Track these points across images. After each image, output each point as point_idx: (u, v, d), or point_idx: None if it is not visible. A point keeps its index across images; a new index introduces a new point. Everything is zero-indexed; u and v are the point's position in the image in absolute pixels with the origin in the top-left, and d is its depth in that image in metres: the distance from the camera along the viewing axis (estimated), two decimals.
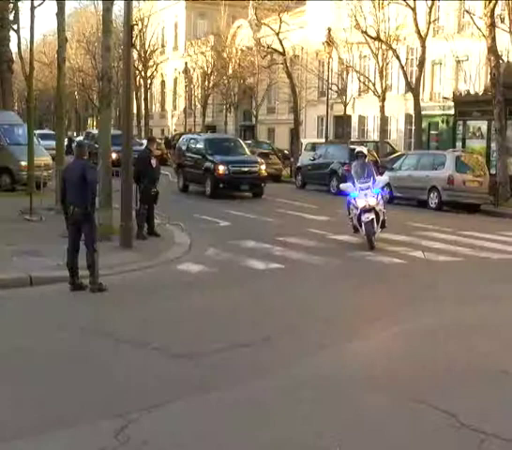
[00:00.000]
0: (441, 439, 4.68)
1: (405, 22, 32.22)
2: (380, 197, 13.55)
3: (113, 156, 13.60)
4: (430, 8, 30.80)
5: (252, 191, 22.69)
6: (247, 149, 25.00)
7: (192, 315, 8.05)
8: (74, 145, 11.52)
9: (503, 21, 25.27)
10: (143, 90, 56.46)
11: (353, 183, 13.62)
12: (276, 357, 6.48)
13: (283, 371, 6.02)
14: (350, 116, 40.50)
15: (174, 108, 65.53)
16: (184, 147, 25.16)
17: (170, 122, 65.09)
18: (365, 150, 15.55)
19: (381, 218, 13.12)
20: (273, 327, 7.55)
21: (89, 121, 75.89)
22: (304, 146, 37.74)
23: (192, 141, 25.12)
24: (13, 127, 23.26)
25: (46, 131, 48.69)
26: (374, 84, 35.01)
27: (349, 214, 13.84)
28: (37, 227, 14.35)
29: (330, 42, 35.38)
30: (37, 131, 40.21)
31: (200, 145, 24.09)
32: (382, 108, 34.28)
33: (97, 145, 22.19)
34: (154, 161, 14.13)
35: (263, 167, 22.83)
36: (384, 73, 34.56)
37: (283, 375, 5.92)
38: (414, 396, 5.35)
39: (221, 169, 21.92)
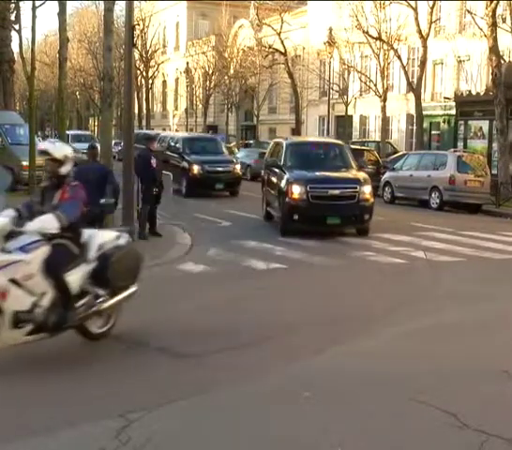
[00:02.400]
0: (442, 439, 4.68)
1: (406, 21, 32.23)
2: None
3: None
4: (432, 8, 30.80)
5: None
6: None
7: (194, 315, 8.05)
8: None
9: (504, 21, 25.26)
10: (144, 90, 56.51)
11: None
12: (277, 357, 6.48)
13: (284, 371, 6.02)
14: (351, 116, 40.51)
15: (176, 108, 65.55)
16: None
17: (171, 122, 65.12)
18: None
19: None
20: (274, 327, 7.55)
21: (91, 121, 75.91)
22: None
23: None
24: (15, 126, 23.28)
25: (79, 132, 46.59)
26: (375, 84, 35.03)
27: None
28: None
29: (331, 42, 35.42)
30: (71, 132, 38.78)
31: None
32: (383, 108, 34.30)
33: (170, 153, 23.15)
34: (154, 161, 14.10)
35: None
36: (386, 73, 34.57)
37: (284, 375, 5.92)
38: (416, 396, 5.35)
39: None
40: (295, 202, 14.28)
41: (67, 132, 31.66)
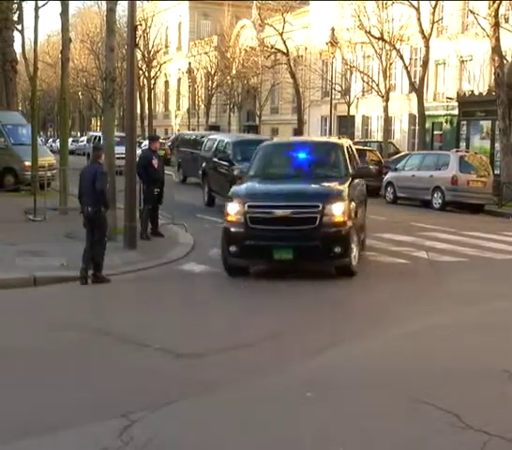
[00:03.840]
0: (444, 439, 4.68)
1: (409, 21, 32.22)
2: None
3: None
4: (434, 8, 30.79)
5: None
6: None
7: (195, 315, 8.05)
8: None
9: (507, 21, 25.29)
10: (146, 90, 56.50)
11: None
12: (278, 357, 6.47)
13: (286, 371, 6.02)
14: (353, 116, 40.51)
15: (178, 108, 65.59)
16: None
17: (173, 122, 65.15)
18: None
19: None
20: (275, 327, 7.55)
21: (93, 121, 75.97)
22: None
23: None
24: (17, 127, 23.31)
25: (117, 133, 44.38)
26: (378, 84, 35.02)
27: None
28: (40, 227, 14.37)
29: (334, 42, 35.40)
30: (95, 133, 36.66)
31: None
32: (385, 108, 34.29)
33: (217, 160, 19.43)
34: (155, 161, 14.09)
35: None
36: (388, 73, 34.57)
37: (286, 375, 5.92)
38: (417, 396, 5.35)
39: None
40: (231, 228, 10.25)
41: (92, 134, 27.94)
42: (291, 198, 10.30)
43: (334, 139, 14.25)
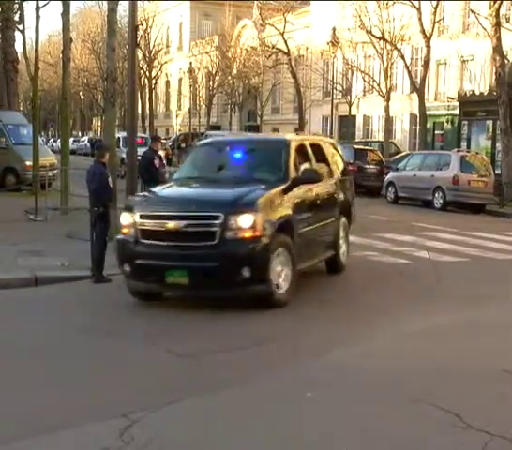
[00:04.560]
0: (445, 439, 4.67)
1: (410, 21, 32.22)
2: None
3: None
4: (435, 8, 30.79)
5: None
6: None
7: (196, 315, 8.04)
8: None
9: (508, 20, 25.30)
10: (147, 90, 56.49)
11: None
12: (279, 357, 6.47)
13: (286, 371, 6.02)
14: (354, 116, 40.51)
15: (179, 108, 65.60)
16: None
17: (174, 122, 65.16)
18: None
19: None
20: (276, 327, 7.55)
21: (94, 121, 76.01)
22: None
23: None
24: (18, 126, 23.33)
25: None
26: (379, 84, 35.04)
27: None
28: (41, 227, 14.37)
29: (335, 42, 35.40)
30: (122, 134, 34.76)
31: None
32: (386, 108, 34.30)
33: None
34: (157, 162, 14.09)
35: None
36: (389, 73, 34.59)
37: (287, 375, 5.92)
38: (418, 396, 5.35)
39: None
40: (123, 242, 8.39)
41: (118, 135, 25.52)
42: (186, 205, 8.21)
43: (289, 135, 11.55)
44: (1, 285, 9.32)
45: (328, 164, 10.69)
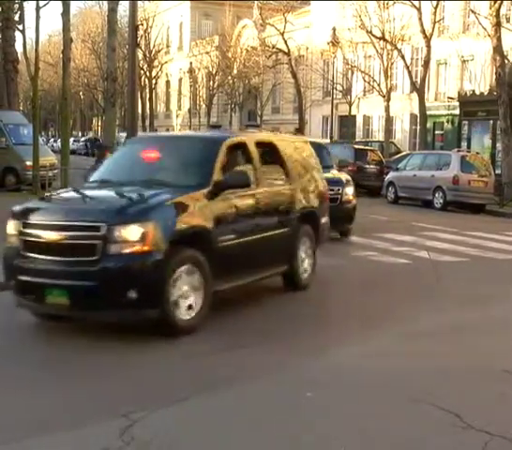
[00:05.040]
0: (445, 439, 4.67)
1: (410, 21, 32.25)
2: None
3: None
4: (435, 8, 30.82)
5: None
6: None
7: None
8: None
9: (508, 20, 25.31)
10: (147, 90, 56.56)
11: None
12: (279, 357, 6.47)
13: (286, 371, 6.02)
14: (355, 116, 40.52)
15: (179, 108, 65.63)
16: None
17: (174, 122, 65.18)
18: None
19: None
20: (276, 327, 7.55)
21: (94, 121, 76.03)
22: None
23: None
24: (18, 126, 23.34)
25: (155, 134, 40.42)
26: (379, 84, 35.06)
27: None
28: None
29: (335, 42, 35.43)
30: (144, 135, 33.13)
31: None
32: (386, 108, 34.32)
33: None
34: None
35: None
36: (389, 73, 34.62)
37: (286, 375, 5.92)
38: (418, 396, 5.34)
39: None
40: (7, 255, 7.27)
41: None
42: (69, 214, 7.11)
43: (230, 132, 10.81)
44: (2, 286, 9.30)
45: (285, 166, 9.19)
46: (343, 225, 13.54)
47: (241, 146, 8.42)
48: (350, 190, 13.88)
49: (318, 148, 14.21)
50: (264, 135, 9.73)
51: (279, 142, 9.45)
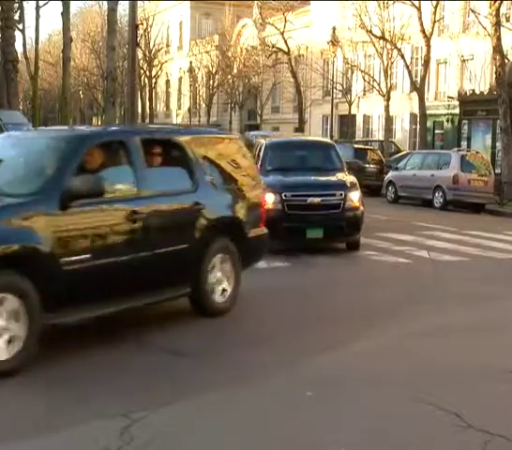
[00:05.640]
0: (445, 439, 4.67)
1: (410, 21, 32.24)
2: None
3: None
4: (435, 8, 30.82)
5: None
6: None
7: (196, 314, 8.04)
8: None
9: (508, 20, 25.32)
10: (147, 89, 56.53)
11: None
12: (279, 357, 6.47)
13: (286, 371, 6.01)
14: (354, 115, 40.52)
15: (179, 107, 65.63)
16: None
17: (175, 121, 65.15)
18: None
19: None
20: (276, 327, 7.54)
21: (94, 120, 75.98)
22: None
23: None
24: (18, 126, 23.30)
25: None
26: (379, 84, 35.05)
27: None
28: None
29: (335, 41, 35.43)
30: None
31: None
32: (386, 107, 34.30)
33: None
34: None
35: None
36: (389, 72, 34.60)
37: (286, 375, 5.91)
38: (419, 395, 5.34)
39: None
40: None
41: None
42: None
43: (95, 129, 9.12)
44: None
45: (190, 169, 7.69)
46: (348, 235, 12.47)
47: (117, 146, 7.05)
48: (355, 195, 12.44)
49: (324, 149, 14.04)
50: (162, 132, 8.32)
51: (185, 139, 7.82)
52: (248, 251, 8.19)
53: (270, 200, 11.52)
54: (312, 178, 12.88)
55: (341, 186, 12.46)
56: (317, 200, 12.12)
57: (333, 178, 12.83)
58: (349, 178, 12.84)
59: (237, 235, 8.05)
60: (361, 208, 12.43)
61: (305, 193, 12.19)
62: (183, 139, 7.83)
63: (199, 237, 7.53)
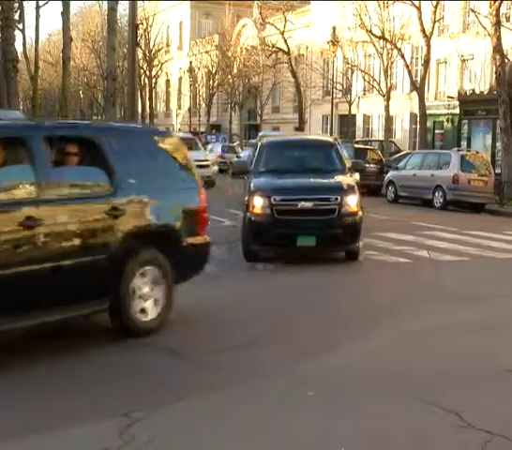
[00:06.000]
0: (445, 438, 4.67)
1: (410, 20, 32.26)
2: None
3: None
4: (435, 7, 30.81)
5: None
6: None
7: (196, 314, 8.04)
8: None
9: (508, 19, 25.31)
10: (147, 89, 56.52)
11: None
12: (279, 357, 6.47)
13: (286, 371, 6.01)
14: (354, 115, 40.52)
15: (179, 107, 65.64)
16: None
17: (175, 121, 65.17)
18: None
19: None
20: (276, 326, 7.54)
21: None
22: None
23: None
24: None
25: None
26: (379, 83, 35.04)
27: None
28: None
29: (335, 41, 35.42)
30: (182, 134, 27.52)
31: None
32: (386, 107, 34.30)
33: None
34: None
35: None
36: (389, 72, 34.60)
37: (286, 375, 5.91)
38: (419, 395, 5.34)
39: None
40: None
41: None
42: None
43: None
44: None
45: (108, 169, 6.77)
46: (345, 244, 11.37)
47: (14, 143, 6.27)
48: (352, 200, 11.20)
49: (325, 148, 12.82)
50: (74, 128, 7.42)
51: (103, 136, 6.93)
52: (183, 263, 7.25)
53: (258, 204, 11.05)
54: (306, 181, 11.71)
55: (337, 189, 11.33)
56: (309, 204, 11.06)
57: (329, 181, 11.75)
58: (347, 180, 11.71)
59: (168, 245, 7.09)
60: (360, 213, 11.26)
61: (296, 197, 11.13)
62: (100, 136, 6.92)
63: (118, 247, 6.62)
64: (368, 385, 5.64)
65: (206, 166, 25.55)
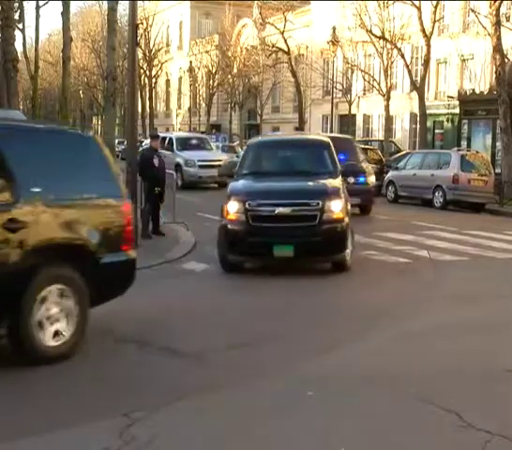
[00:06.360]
0: (445, 438, 4.67)
1: (410, 20, 32.25)
2: None
3: None
4: (435, 7, 30.80)
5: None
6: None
7: (196, 314, 8.05)
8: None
9: (508, 19, 25.31)
10: (147, 89, 56.52)
11: None
12: (279, 357, 6.47)
13: (286, 371, 6.01)
14: (355, 115, 40.52)
15: (179, 107, 65.62)
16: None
17: (175, 121, 65.17)
18: None
19: None
20: (276, 326, 7.54)
21: (94, 120, 75.99)
22: None
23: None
24: None
25: (185, 134, 33.70)
26: (379, 83, 35.04)
27: None
28: None
29: (335, 41, 35.39)
30: (173, 135, 27.05)
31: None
32: (386, 107, 34.29)
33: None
34: (156, 160, 14.09)
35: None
36: (389, 72, 34.59)
37: (286, 375, 5.91)
38: (419, 395, 5.34)
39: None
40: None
41: (170, 136, 24.34)
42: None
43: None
44: None
45: (9, 175, 5.84)
46: (328, 254, 10.41)
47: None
48: (336, 205, 10.26)
49: (317, 149, 11.95)
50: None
51: (8, 136, 6.02)
52: (102, 282, 6.44)
53: (232, 209, 10.23)
54: (285, 184, 10.75)
55: (319, 193, 10.38)
56: (287, 210, 10.13)
57: (312, 184, 10.76)
58: (333, 183, 10.77)
59: (82, 262, 6.27)
60: (346, 220, 10.27)
61: (272, 202, 10.20)
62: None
63: (18, 264, 5.75)
64: (368, 385, 5.64)
65: (219, 166, 25.43)
